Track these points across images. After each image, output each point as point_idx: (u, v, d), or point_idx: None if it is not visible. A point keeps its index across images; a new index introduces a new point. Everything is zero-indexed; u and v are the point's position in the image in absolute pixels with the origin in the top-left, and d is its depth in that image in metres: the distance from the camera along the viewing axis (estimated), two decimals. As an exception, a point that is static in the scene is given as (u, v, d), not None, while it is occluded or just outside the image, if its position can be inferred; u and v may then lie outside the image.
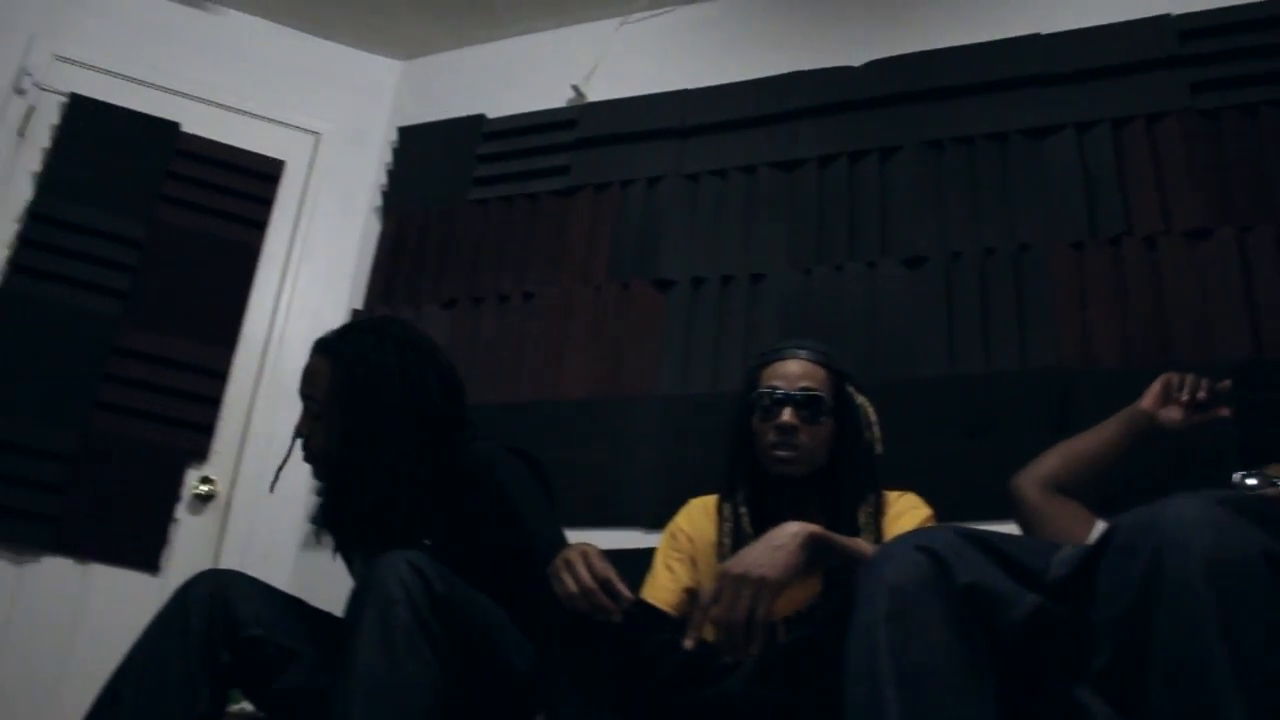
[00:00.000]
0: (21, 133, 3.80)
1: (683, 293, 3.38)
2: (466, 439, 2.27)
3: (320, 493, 2.36)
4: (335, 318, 3.91)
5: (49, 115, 3.86)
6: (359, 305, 3.91)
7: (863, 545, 1.85)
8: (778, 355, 2.24)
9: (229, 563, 3.55)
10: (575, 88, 3.91)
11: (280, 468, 2.37)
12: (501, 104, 4.04)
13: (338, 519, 2.34)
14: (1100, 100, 3.15)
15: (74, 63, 3.96)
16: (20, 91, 3.83)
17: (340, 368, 2.25)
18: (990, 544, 1.40)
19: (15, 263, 3.64)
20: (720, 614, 1.67)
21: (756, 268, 3.33)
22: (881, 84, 3.43)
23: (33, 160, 3.80)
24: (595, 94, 3.88)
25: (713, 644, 1.75)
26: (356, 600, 1.87)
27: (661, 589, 2.22)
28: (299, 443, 2.37)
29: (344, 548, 2.40)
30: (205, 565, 3.53)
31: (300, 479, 3.63)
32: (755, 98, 3.57)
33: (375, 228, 4.09)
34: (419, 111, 4.23)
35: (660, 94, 3.73)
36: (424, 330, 3.38)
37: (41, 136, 3.83)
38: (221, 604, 2.10)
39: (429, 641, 1.83)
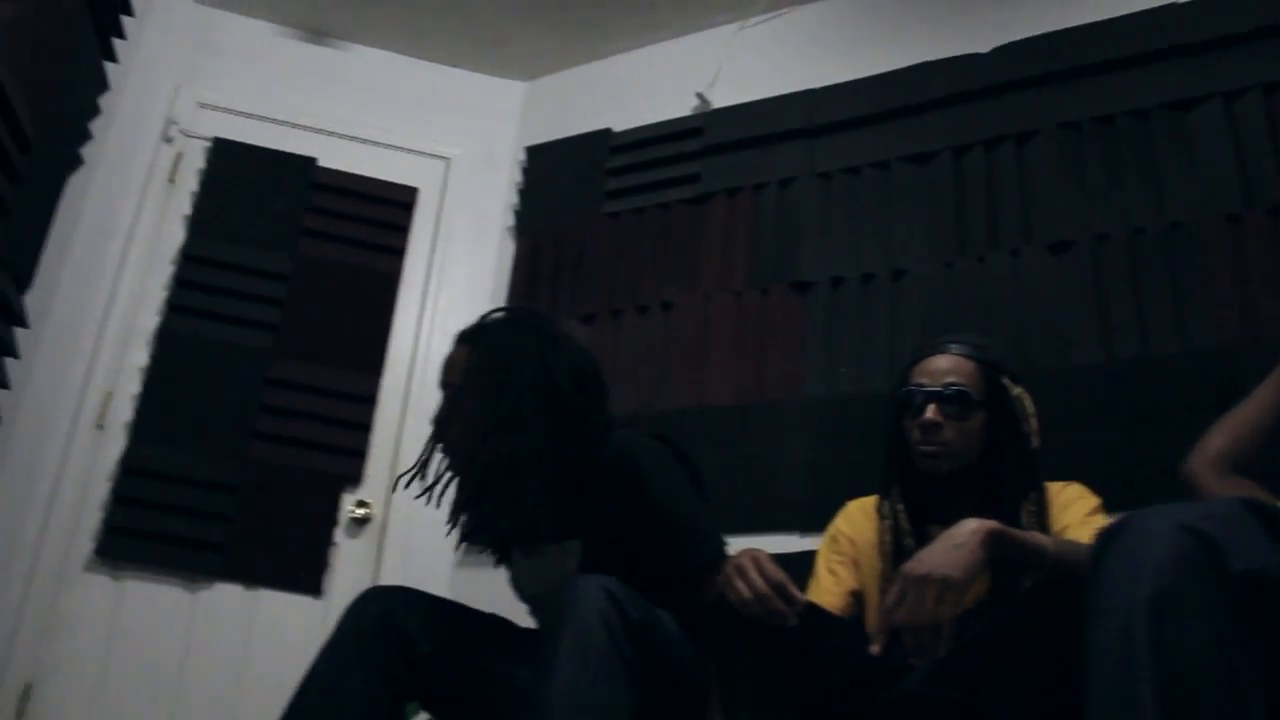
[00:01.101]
0: (172, 179, 3.97)
1: (822, 294, 3.36)
2: (605, 430, 2.25)
3: (457, 492, 2.36)
4: (476, 338, 3.99)
5: (195, 160, 4.03)
6: (499, 325, 3.97)
7: (1042, 539, 1.79)
8: (926, 352, 2.21)
9: (388, 582, 3.61)
10: (699, 95, 3.92)
11: (424, 461, 2.31)
12: (626, 117, 4.07)
13: (475, 514, 2.34)
14: (1247, 66, 3.02)
15: (215, 108, 4.12)
16: (168, 140, 3.99)
17: (476, 353, 2.27)
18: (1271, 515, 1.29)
19: (172, 303, 3.80)
20: (906, 616, 1.65)
21: (897, 264, 3.28)
22: (1012, 69, 3.35)
23: (183, 204, 3.96)
24: (720, 100, 3.89)
25: (890, 647, 1.72)
26: (553, 622, 1.89)
27: (826, 593, 2.20)
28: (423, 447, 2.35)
29: (497, 548, 2.43)
30: (364, 587, 3.60)
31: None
32: (883, 92, 3.53)
33: (509, 247, 4.15)
34: (545, 130, 4.29)
35: (786, 95, 3.72)
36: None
37: (190, 181, 3.99)
38: (391, 621, 2.15)
39: (623, 664, 1.84)
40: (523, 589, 2.39)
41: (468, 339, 2.33)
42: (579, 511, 2.20)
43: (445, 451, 2.30)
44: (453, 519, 2.33)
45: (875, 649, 1.70)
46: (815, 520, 2.94)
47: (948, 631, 1.64)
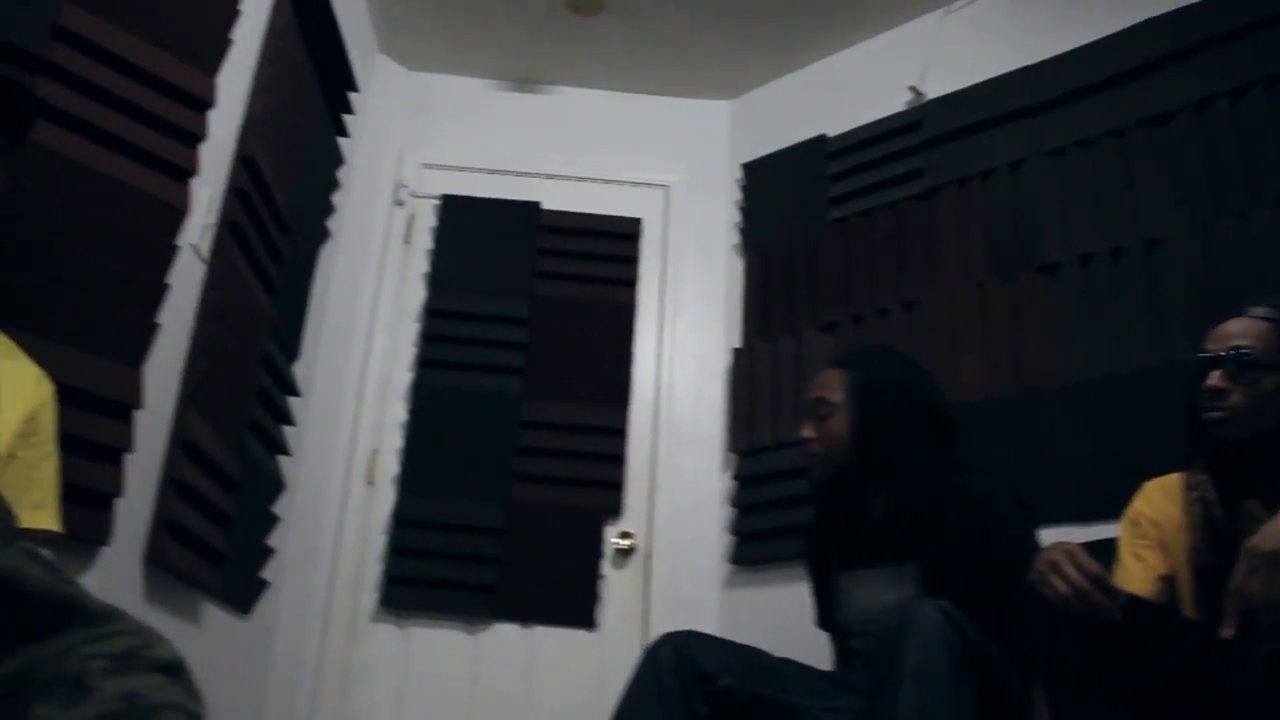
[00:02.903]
0: (407, 240, 4.13)
1: (1071, 274, 3.23)
2: (967, 464, 2.37)
3: (820, 503, 2.54)
4: (717, 360, 4.01)
5: (426, 219, 4.18)
6: (738, 344, 3.98)
7: None
8: (1227, 316, 2.12)
9: (658, 611, 3.68)
10: (912, 88, 3.84)
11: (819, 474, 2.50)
12: (839, 120, 4.03)
13: (837, 527, 2.50)
14: None
15: (438, 167, 4.27)
16: (399, 203, 4.16)
17: (854, 372, 2.46)
18: None
19: (422, 358, 3.95)
20: (1257, 593, 1.56)
21: (1148, 233, 3.11)
22: (1249, 10, 3.16)
23: (420, 263, 4.11)
24: (934, 90, 3.80)
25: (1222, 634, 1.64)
26: (892, 645, 1.93)
27: (1135, 580, 2.11)
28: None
29: (828, 567, 2.52)
30: (635, 617, 3.68)
31: (717, 522, 3.72)
32: (1107, 56, 3.38)
33: (737, 266, 4.15)
34: (758, 145, 4.28)
35: (1004, 75, 3.61)
36: (812, 358, 3.46)
37: (424, 239, 4.15)
38: (688, 661, 2.26)
39: (965, 686, 1.87)
40: (849, 612, 2.45)
41: (843, 363, 2.51)
42: (921, 535, 2.29)
43: (814, 463, 2.48)
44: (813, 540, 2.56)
45: (1227, 632, 1.61)
46: (1094, 507, 2.85)
47: None
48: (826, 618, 2.58)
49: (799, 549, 3.42)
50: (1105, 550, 2.20)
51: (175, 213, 2.36)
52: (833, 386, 2.47)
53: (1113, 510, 2.31)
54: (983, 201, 3.51)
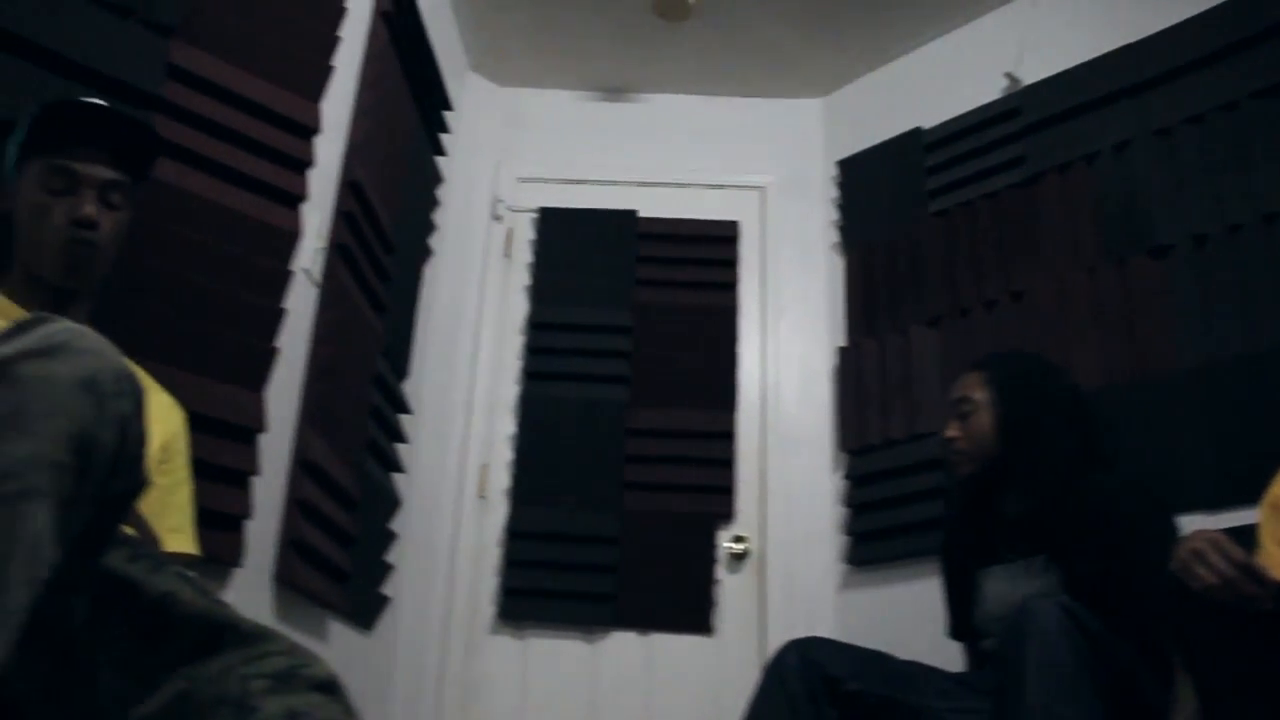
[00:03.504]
0: (507, 254, 4.17)
1: (1185, 255, 3.14)
2: (1106, 456, 2.38)
3: (960, 500, 2.56)
4: (821, 360, 3.99)
5: (525, 232, 4.22)
6: (842, 342, 3.95)
7: None
8: None
9: (774, 614, 3.66)
10: (1008, 75, 3.78)
11: (952, 471, 2.55)
12: (933, 113, 3.98)
13: (976, 524, 2.52)
14: None
15: (533, 180, 4.30)
16: (497, 218, 4.20)
17: (993, 371, 2.52)
18: None
19: (527, 371, 3.98)
20: None
21: (1266, 207, 3.02)
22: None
23: (521, 276, 4.15)
24: (1030, 75, 3.73)
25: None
26: (1013, 642, 1.93)
27: (1278, 566, 2.05)
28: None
29: (965, 565, 2.52)
30: (752, 621, 3.67)
31: (830, 522, 3.70)
32: (1216, 27, 3.27)
33: (837, 264, 4.12)
34: (852, 142, 4.24)
35: (1103, 55, 3.53)
36: (919, 354, 3.43)
37: (523, 253, 4.19)
38: (814, 666, 2.26)
39: (1089, 680, 1.86)
40: (983, 610, 2.45)
41: (981, 364, 2.57)
42: (1059, 530, 2.30)
43: (956, 460, 2.51)
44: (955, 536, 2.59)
45: None
46: (1225, 493, 2.78)
47: None
48: (960, 624, 2.56)
49: (916, 546, 3.42)
50: (1241, 537, 2.14)
51: (288, 238, 2.41)
52: (974, 386, 2.52)
53: (1245, 496, 2.26)
54: (1088, 186, 3.44)
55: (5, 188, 1.79)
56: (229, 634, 1.15)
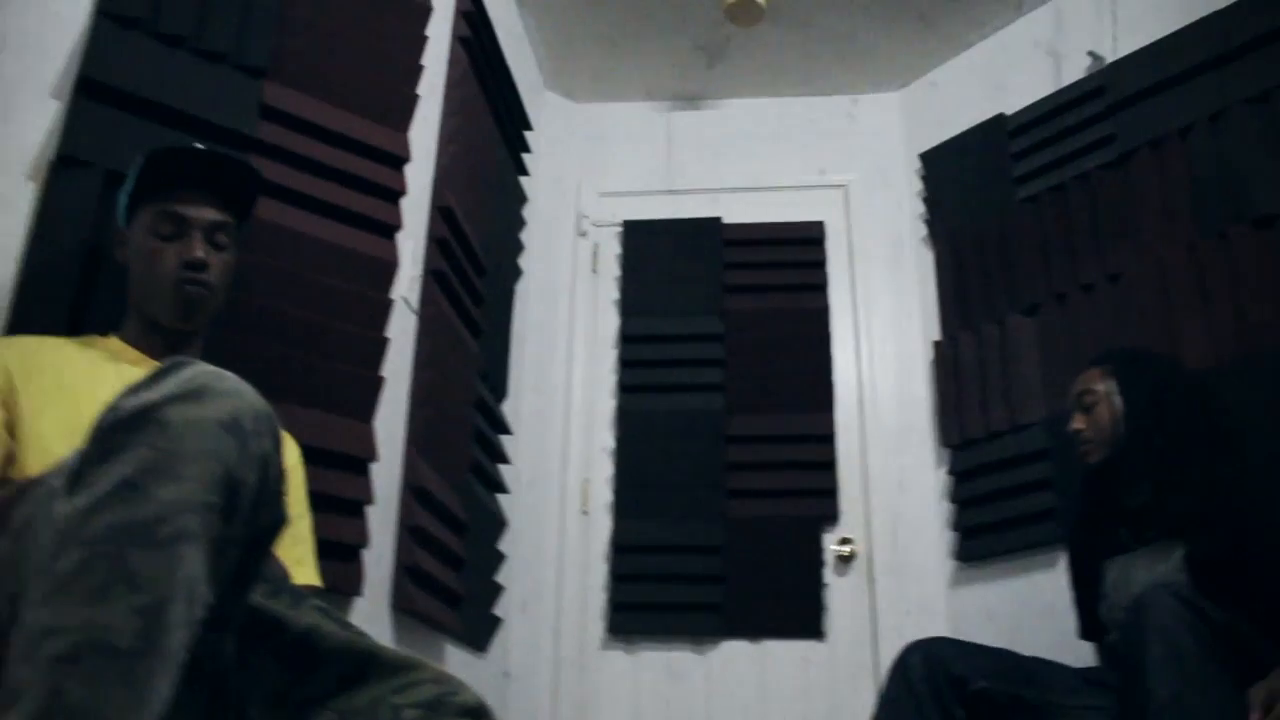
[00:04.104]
0: (594, 269, 4.18)
1: (1293, 223, 3.06)
2: (1233, 442, 2.35)
3: (1089, 492, 2.57)
4: (917, 355, 3.94)
5: (610, 246, 4.23)
6: (936, 337, 3.90)
7: None
8: None
9: (885, 615, 3.62)
10: (1090, 53, 3.71)
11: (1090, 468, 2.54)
12: (1015, 97, 3.91)
13: (1104, 516, 2.51)
14: None
15: (615, 194, 4.31)
16: (582, 234, 4.22)
17: (1112, 363, 2.54)
18: None
19: (622, 384, 3.99)
20: None
21: (1380, 170, 2.93)
22: None
23: (609, 290, 4.16)
24: (1114, 52, 3.66)
25: None
26: (1133, 635, 1.91)
27: None
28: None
29: (1095, 558, 2.49)
30: (863, 623, 3.63)
31: (937, 519, 3.65)
32: (1303, -9, 3.20)
33: (927, 257, 4.07)
34: (932, 134, 4.19)
35: (1189, 25, 3.43)
36: (1017, 343, 3.38)
37: (610, 267, 4.20)
38: (938, 667, 2.25)
39: (1218, 668, 1.84)
40: (1114, 599, 2.42)
41: (1099, 360, 2.59)
42: (1186, 515, 2.27)
43: (1085, 453, 2.51)
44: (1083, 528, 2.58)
45: None
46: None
47: None
48: (1088, 624, 2.53)
49: (1026, 539, 3.37)
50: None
51: (386, 268, 2.44)
52: (1094, 378, 2.53)
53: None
54: (1182, 160, 3.35)
55: (118, 237, 1.84)
56: (374, 665, 1.16)
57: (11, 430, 1.53)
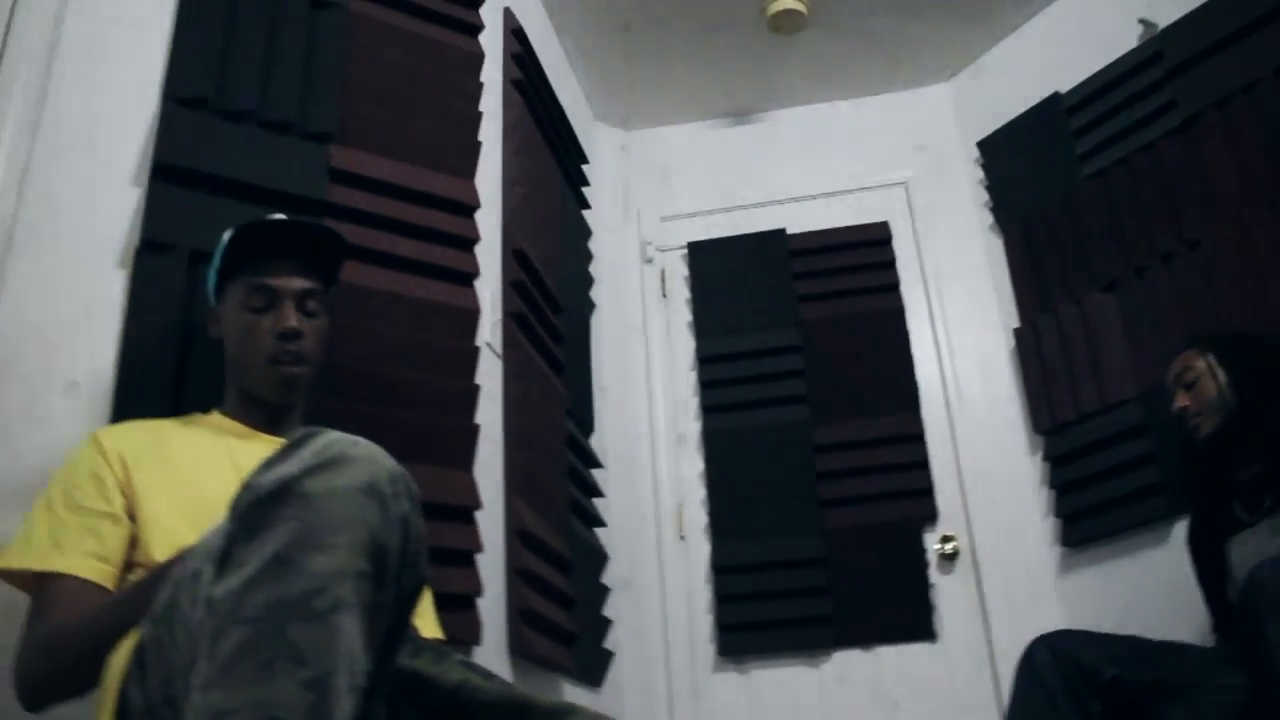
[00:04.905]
0: (664, 294, 4.18)
1: (1370, 170, 2.99)
2: None
3: (1200, 467, 2.57)
4: (998, 344, 3.90)
5: (678, 269, 4.23)
6: (1015, 324, 3.85)
7: None
8: None
9: (995, 609, 3.58)
10: (1142, 21, 3.65)
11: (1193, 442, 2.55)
12: (1068, 74, 3.85)
13: (1215, 493, 2.50)
14: None
15: (676, 217, 4.32)
16: (649, 260, 4.22)
17: (1208, 341, 2.57)
18: None
19: (705, 406, 3.98)
20: None
21: None
22: None
23: (682, 313, 4.16)
24: (1167, 17, 3.60)
25: None
26: (1249, 612, 1.89)
27: None
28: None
29: (1218, 538, 2.46)
30: (975, 620, 3.58)
31: (1037, 507, 3.60)
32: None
33: (996, 245, 4.02)
34: (986, 120, 4.15)
35: (1246, -19, 3.39)
36: (1099, 321, 3.34)
37: (680, 290, 4.19)
38: (1067, 660, 2.24)
39: None
40: (1238, 577, 2.37)
41: (1193, 341, 2.63)
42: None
43: (1192, 430, 2.51)
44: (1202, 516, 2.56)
45: None
46: None
47: None
48: (1219, 615, 2.48)
49: (1131, 518, 3.32)
50: None
51: (469, 316, 2.45)
52: (1191, 357, 2.55)
53: None
54: (1250, 117, 3.28)
55: (211, 315, 1.86)
56: (532, 714, 1.15)
57: (132, 515, 1.55)
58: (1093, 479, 3.49)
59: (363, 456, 1.06)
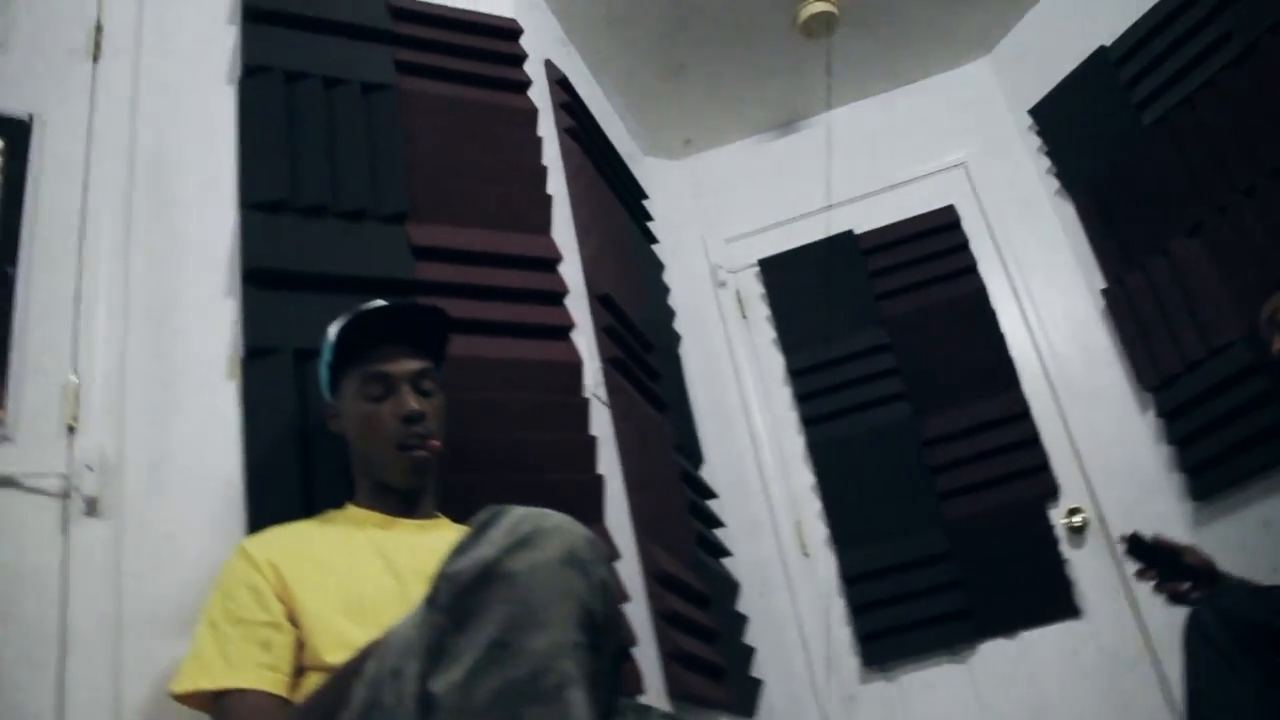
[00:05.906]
0: (743, 315, 4.17)
1: None
2: None
3: None
4: (1087, 308, 3.85)
5: (753, 288, 4.22)
6: (1101, 285, 3.78)
7: None
8: None
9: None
10: (1179, -41, 3.60)
11: None
12: (1111, 26, 3.79)
13: None
14: None
15: (740, 236, 4.31)
16: (721, 284, 4.21)
17: None
18: None
19: (804, 419, 3.96)
20: None
21: None
22: None
23: (765, 330, 4.15)
24: (1206, -50, 3.55)
25: None
26: None
27: None
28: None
29: None
30: (1113, 592, 3.52)
31: (1158, 465, 3.53)
32: None
33: (1067, 209, 3.96)
34: (1034, 87, 4.09)
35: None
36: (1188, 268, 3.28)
37: (759, 308, 4.18)
38: (1232, 619, 2.20)
39: None
40: None
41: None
42: None
43: None
44: None
45: None
46: None
47: None
48: None
49: (1261, 459, 3.22)
50: None
51: (573, 369, 2.45)
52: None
53: None
54: (1311, 33, 3.22)
55: (329, 410, 1.87)
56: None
57: (294, 620, 1.56)
58: (1212, 427, 3.40)
59: (556, 527, 1.06)
